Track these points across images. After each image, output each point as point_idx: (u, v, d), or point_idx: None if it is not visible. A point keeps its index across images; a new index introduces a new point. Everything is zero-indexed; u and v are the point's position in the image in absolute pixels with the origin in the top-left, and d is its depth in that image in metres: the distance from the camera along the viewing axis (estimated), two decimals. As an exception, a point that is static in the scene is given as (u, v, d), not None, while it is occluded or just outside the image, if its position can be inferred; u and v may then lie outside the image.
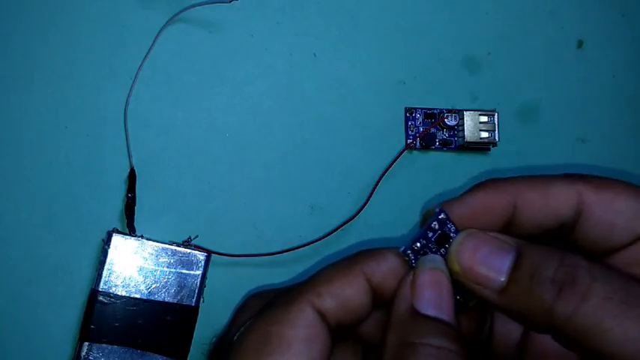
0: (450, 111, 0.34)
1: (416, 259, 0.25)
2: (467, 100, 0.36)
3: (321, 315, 0.24)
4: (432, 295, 0.24)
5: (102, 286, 0.30)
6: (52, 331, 0.31)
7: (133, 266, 0.30)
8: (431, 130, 0.35)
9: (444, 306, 0.24)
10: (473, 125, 0.34)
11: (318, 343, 0.23)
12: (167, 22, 0.33)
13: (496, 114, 0.34)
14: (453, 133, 0.35)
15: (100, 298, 0.29)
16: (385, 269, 0.25)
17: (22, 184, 0.32)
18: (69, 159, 0.32)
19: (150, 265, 0.30)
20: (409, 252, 0.25)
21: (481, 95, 0.36)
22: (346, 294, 0.25)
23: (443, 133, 0.35)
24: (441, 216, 0.25)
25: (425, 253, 0.25)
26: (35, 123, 0.33)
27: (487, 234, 0.24)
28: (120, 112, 0.33)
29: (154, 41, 0.33)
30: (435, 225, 0.25)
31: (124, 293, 0.30)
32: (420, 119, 0.35)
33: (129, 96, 0.33)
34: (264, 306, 0.26)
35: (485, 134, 0.34)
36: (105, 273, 0.30)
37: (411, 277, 0.25)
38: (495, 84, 0.36)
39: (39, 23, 0.33)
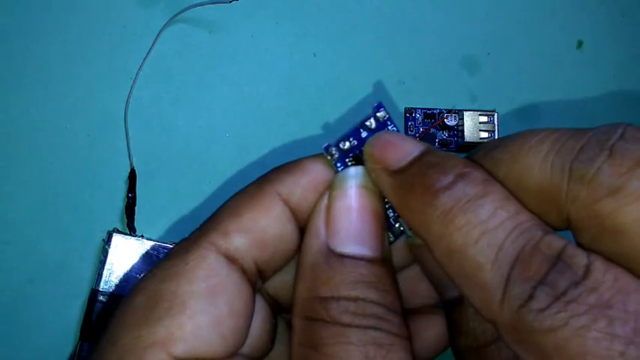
0: (449, 111, 0.34)
1: (343, 162, 0.20)
2: (466, 100, 0.36)
3: (231, 259, 0.19)
4: (351, 225, 0.19)
5: (102, 286, 0.30)
6: (53, 330, 0.31)
7: (133, 266, 0.30)
8: (431, 131, 0.35)
9: (367, 236, 0.19)
10: (472, 125, 0.34)
11: (225, 296, 0.18)
12: (167, 23, 0.33)
13: (496, 114, 0.34)
14: (453, 133, 0.35)
15: (101, 297, 0.29)
16: (306, 185, 0.20)
17: (23, 184, 0.32)
18: (69, 159, 0.32)
19: (150, 265, 0.30)
20: (333, 150, 0.20)
21: (481, 95, 0.36)
22: (260, 225, 0.19)
23: (442, 134, 0.35)
24: (380, 113, 0.20)
25: (355, 159, 0.20)
26: (35, 123, 0.33)
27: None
28: (120, 112, 0.33)
29: (154, 41, 0.33)
30: (372, 123, 0.20)
31: (124, 293, 0.30)
32: (420, 119, 0.35)
33: (129, 96, 0.33)
34: (162, 259, 0.20)
35: (485, 134, 0.34)
36: (105, 273, 0.30)
37: (325, 202, 0.20)
38: (495, 84, 0.36)
39: (39, 23, 0.33)
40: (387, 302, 0.18)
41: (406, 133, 0.35)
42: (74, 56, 0.33)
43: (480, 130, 0.34)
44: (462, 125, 0.34)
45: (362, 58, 0.35)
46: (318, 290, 0.19)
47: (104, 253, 0.30)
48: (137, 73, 0.33)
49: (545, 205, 0.17)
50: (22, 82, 0.33)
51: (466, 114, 0.34)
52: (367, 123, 0.20)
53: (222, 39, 0.35)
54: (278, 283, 0.22)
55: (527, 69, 0.37)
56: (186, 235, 0.22)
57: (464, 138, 0.34)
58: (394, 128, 0.21)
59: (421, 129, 0.35)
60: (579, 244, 0.16)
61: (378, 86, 0.35)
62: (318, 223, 0.20)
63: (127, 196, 0.32)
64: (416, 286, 0.22)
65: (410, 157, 0.18)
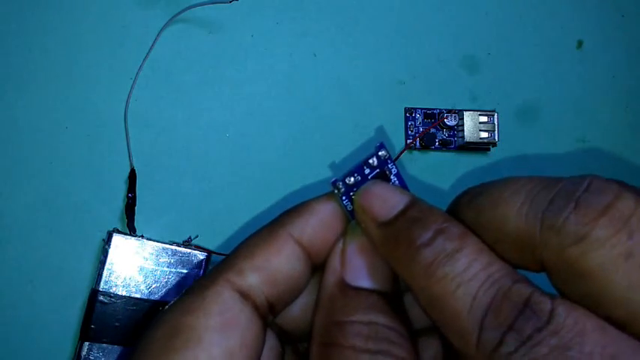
0: (449, 111, 0.35)
1: (347, 196, 0.22)
2: (466, 100, 0.36)
3: (244, 295, 0.21)
4: (363, 263, 0.22)
5: (102, 286, 0.30)
6: (53, 330, 0.31)
7: (133, 266, 0.30)
8: (431, 130, 0.35)
9: (378, 273, 0.22)
10: (472, 125, 0.34)
11: (237, 330, 0.20)
12: (167, 22, 0.33)
13: (496, 114, 0.34)
14: (453, 133, 0.35)
15: (101, 297, 0.29)
16: (315, 224, 0.22)
17: (23, 184, 0.32)
18: (69, 159, 0.32)
19: (150, 265, 0.30)
20: (340, 184, 0.22)
21: (481, 95, 0.36)
22: (273, 265, 0.21)
23: (443, 133, 0.35)
24: (382, 152, 0.23)
25: None
26: (35, 123, 0.33)
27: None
28: (120, 112, 0.33)
29: (154, 41, 0.33)
30: (374, 161, 0.23)
31: (124, 293, 0.30)
32: (420, 119, 0.35)
33: (129, 96, 0.33)
34: (182, 292, 0.22)
35: (484, 134, 0.34)
36: (105, 273, 0.30)
37: (340, 245, 0.22)
38: (495, 84, 0.36)
39: (39, 23, 0.33)
40: (398, 327, 0.20)
41: (406, 133, 0.35)
42: (74, 56, 0.33)
43: (480, 130, 0.34)
44: (462, 125, 0.34)
45: (362, 58, 0.35)
46: (335, 316, 0.21)
47: (104, 253, 0.30)
48: (137, 73, 0.33)
49: (522, 250, 0.18)
50: (22, 82, 0.33)
51: (466, 114, 0.34)
52: (370, 161, 0.23)
53: (222, 39, 0.34)
54: (287, 315, 0.24)
55: (527, 69, 0.37)
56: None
57: (464, 138, 0.34)
58: (393, 167, 0.23)
59: (421, 129, 0.35)
60: (554, 286, 0.18)
61: (378, 86, 0.35)
62: (335, 262, 0.22)
63: (127, 196, 0.32)
64: (412, 311, 0.24)
65: (395, 211, 0.21)
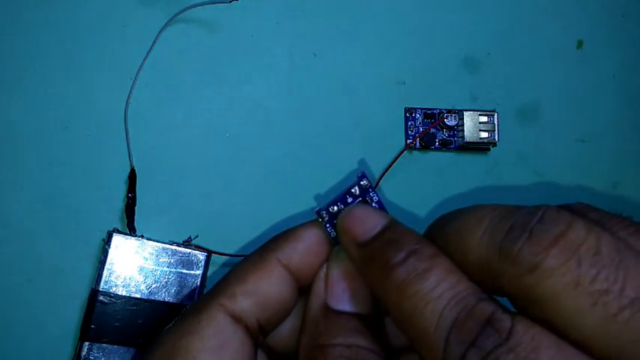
0: (449, 111, 0.35)
1: (331, 223, 0.24)
2: (467, 100, 0.36)
3: (236, 318, 0.22)
4: (345, 287, 0.23)
5: (102, 286, 0.30)
6: (53, 330, 0.31)
7: (133, 266, 0.30)
8: (431, 130, 0.35)
9: (359, 297, 0.23)
10: (472, 125, 0.34)
11: (231, 351, 0.22)
12: (167, 22, 0.33)
13: (496, 114, 0.34)
14: (453, 133, 0.35)
15: (101, 297, 0.29)
16: (302, 250, 0.24)
17: (23, 184, 0.32)
18: (69, 159, 0.32)
19: (150, 265, 0.30)
20: (324, 213, 0.24)
21: (481, 95, 0.36)
22: (263, 289, 0.23)
23: (443, 133, 0.35)
24: (363, 182, 0.24)
25: None
26: (35, 123, 0.33)
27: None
28: (120, 112, 0.33)
29: (154, 41, 0.33)
30: (356, 190, 0.24)
31: (124, 293, 0.30)
32: (420, 119, 0.35)
33: (129, 96, 0.33)
34: (179, 316, 0.24)
35: (484, 134, 0.34)
36: (105, 273, 0.30)
37: (324, 270, 0.24)
38: (495, 84, 0.36)
39: (39, 23, 0.33)
40: (377, 349, 0.22)
41: (406, 133, 0.35)
42: (74, 56, 0.33)
43: (480, 130, 0.34)
44: (462, 125, 0.34)
45: (362, 58, 0.35)
46: (318, 340, 0.22)
47: (104, 253, 0.30)
48: (137, 73, 0.33)
49: (484, 276, 0.19)
50: (22, 82, 0.33)
51: (466, 114, 0.34)
52: (352, 190, 0.24)
53: (222, 39, 0.35)
54: (276, 336, 0.25)
55: (527, 69, 0.37)
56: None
57: (464, 138, 0.34)
58: (375, 195, 0.25)
59: (421, 129, 0.35)
60: (516, 310, 0.19)
61: (378, 86, 0.35)
62: (319, 287, 0.23)
63: (127, 196, 0.32)
64: (394, 331, 0.25)
65: (373, 233, 0.22)
